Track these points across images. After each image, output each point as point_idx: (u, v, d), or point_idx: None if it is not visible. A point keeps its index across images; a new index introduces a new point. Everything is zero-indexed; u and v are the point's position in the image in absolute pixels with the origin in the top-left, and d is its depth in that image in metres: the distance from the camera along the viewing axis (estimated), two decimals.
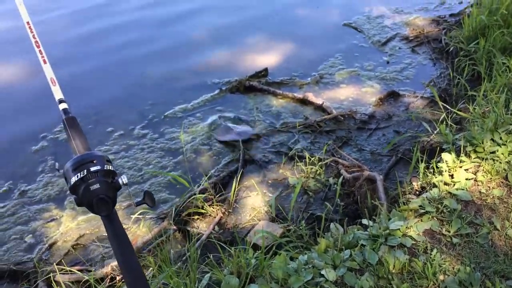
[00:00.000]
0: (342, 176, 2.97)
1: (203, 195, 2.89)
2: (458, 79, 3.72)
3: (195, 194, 2.89)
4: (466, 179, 2.44)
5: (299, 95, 3.92)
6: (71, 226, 2.84)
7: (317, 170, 3.11)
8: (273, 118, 3.73)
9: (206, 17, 5.39)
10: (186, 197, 2.87)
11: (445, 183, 2.45)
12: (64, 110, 1.46)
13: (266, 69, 4.25)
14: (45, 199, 3.04)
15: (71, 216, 2.91)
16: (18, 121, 3.77)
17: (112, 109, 3.89)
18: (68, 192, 3.05)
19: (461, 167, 2.53)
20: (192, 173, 3.19)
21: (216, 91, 4.06)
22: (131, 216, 2.83)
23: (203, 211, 2.84)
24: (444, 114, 3.11)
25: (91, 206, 1.25)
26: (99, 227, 2.81)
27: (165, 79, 4.28)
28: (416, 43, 4.61)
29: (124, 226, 1.35)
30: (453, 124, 3.09)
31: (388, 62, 4.35)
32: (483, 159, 2.54)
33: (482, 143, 2.61)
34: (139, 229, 2.79)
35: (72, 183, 1.24)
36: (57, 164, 1.45)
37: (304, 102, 3.87)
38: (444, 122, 3.05)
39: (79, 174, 1.24)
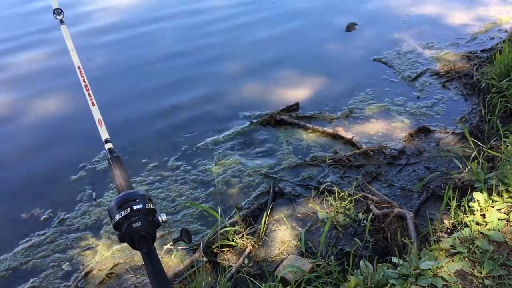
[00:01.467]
0: (372, 212, 2.98)
1: (234, 228, 2.95)
2: (490, 116, 3.70)
3: (225, 226, 2.96)
4: (499, 219, 2.42)
5: (329, 129, 3.97)
6: (106, 255, 2.94)
7: (346, 205, 3.13)
8: (302, 151, 3.79)
9: (239, 51, 5.55)
10: (217, 229, 2.94)
11: (477, 223, 2.44)
12: (110, 149, 1.58)
13: (297, 104, 4.33)
14: (82, 227, 3.17)
15: (106, 245, 3.02)
16: (60, 151, 3.95)
17: (147, 141, 4.04)
18: (104, 221, 3.18)
19: (493, 206, 2.51)
20: (223, 205, 3.26)
21: (247, 124, 4.16)
22: (164, 246, 2.91)
23: (233, 243, 2.89)
24: (475, 152, 3.10)
25: (132, 242, 1.34)
26: (133, 256, 2.90)
27: (198, 111, 4.41)
28: (447, 78, 4.62)
29: None
30: (484, 162, 3.08)
31: (418, 97, 4.37)
32: None
33: None
34: (171, 260, 2.86)
35: (116, 220, 1.34)
36: (94, 194, 1.57)
37: (334, 136, 3.92)
38: (476, 160, 3.04)
39: (122, 212, 1.33)
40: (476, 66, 4.65)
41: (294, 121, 4.11)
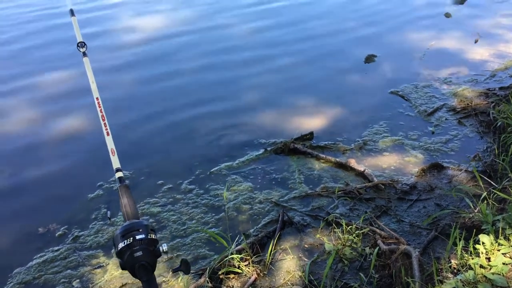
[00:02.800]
0: (378, 247, 2.99)
1: (240, 255, 3.00)
2: (504, 155, 3.69)
3: (232, 253, 3.01)
4: (504, 263, 2.41)
5: (341, 160, 4.02)
6: (116, 274, 3.02)
7: (353, 239, 3.14)
8: (314, 181, 3.83)
9: (255, 79, 5.65)
10: (223, 256, 2.99)
11: (481, 266, 2.43)
12: (120, 178, 1.67)
13: (311, 133, 4.40)
14: (95, 245, 3.26)
15: (116, 265, 3.09)
16: (79, 169, 4.09)
17: (163, 163, 4.14)
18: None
19: (499, 250, 2.50)
20: (232, 230, 3.32)
21: (261, 151, 4.24)
22: (171, 270, 2.97)
23: (239, 270, 2.94)
24: (485, 193, 3.10)
25: (133, 271, 1.41)
26: None
27: (213, 137, 4.50)
28: (463, 115, 4.62)
29: (163, 279, 1.49)
30: (495, 203, 3.06)
31: (433, 133, 4.38)
32: None
33: None
34: (177, 283, 2.92)
35: (119, 248, 1.41)
36: (109, 212, 1.64)
37: (346, 167, 3.96)
38: (486, 201, 3.03)
39: (126, 241, 1.41)
40: (493, 104, 4.63)
41: (308, 151, 4.17)
